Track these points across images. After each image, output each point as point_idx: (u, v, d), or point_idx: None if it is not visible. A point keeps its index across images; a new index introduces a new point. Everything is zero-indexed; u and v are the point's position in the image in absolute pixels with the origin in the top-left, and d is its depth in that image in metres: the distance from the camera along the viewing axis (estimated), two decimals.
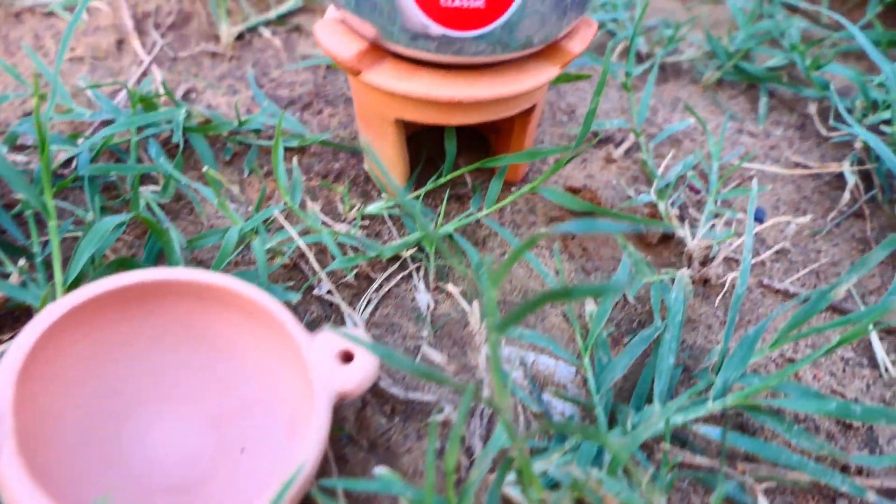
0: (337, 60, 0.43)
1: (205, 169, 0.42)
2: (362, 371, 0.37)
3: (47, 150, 0.39)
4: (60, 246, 0.44)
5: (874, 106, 0.63)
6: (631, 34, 0.70)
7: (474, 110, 0.45)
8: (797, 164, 0.62)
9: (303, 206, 0.54)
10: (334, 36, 0.44)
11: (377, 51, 0.44)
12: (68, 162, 0.54)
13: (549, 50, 0.45)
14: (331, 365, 0.37)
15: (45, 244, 0.46)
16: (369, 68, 0.44)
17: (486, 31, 0.39)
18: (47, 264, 0.45)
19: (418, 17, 0.39)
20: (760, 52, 0.68)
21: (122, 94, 0.62)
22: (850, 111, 0.64)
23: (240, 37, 0.69)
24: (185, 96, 0.63)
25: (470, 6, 0.38)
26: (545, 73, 0.45)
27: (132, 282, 0.38)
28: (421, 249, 0.51)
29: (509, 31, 0.40)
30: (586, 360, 0.43)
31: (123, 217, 0.44)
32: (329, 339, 0.38)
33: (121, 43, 0.68)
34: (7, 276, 0.44)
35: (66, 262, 0.46)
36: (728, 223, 0.56)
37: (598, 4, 0.73)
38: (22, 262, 0.44)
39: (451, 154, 0.52)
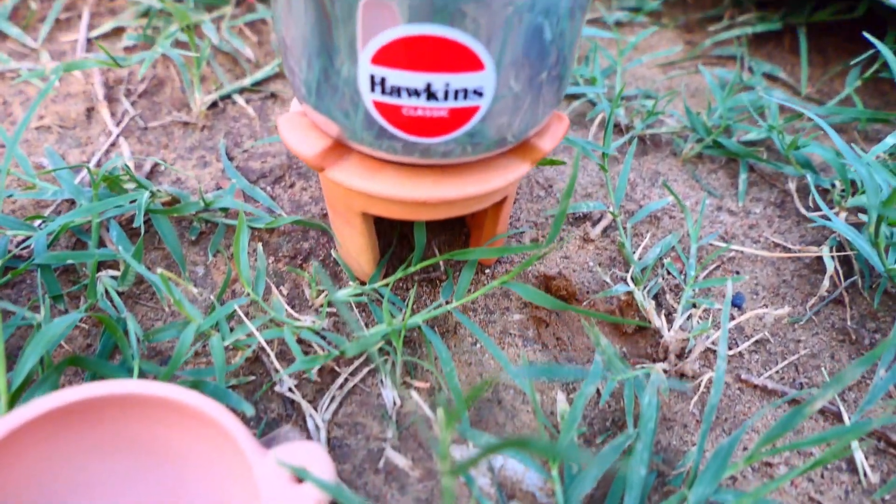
0: (300, 158, 0.42)
1: (159, 271, 0.41)
2: (315, 497, 0.35)
3: None
4: (15, 336, 0.43)
5: (853, 186, 0.62)
6: (610, 105, 0.70)
7: (442, 208, 0.44)
8: (777, 245, 0.61)
9: (268, 291, 0.52)
10: (297, 132, 0.42)
11: (341, 147, 0.42)
12: (27, 240, 0.53)
13: (520, 147, 0.44)
14: (283, 485, 0.35)
15: None
16: (333, 165, 0.42)
17: (450, 138, 0.38)
18: None
19: (381, 124, 0.38)
20: (739, 128, 0.68)
21: (91, 164, 0.61)
22: (828, 192, 0.63)
23: (213, 105, 0.68)
24: (153, 169, 0.62)
25: (433, 116, 0.37)
26: (515, 170, 0.44)
27: (76, 399, 0.36)
28: (389, 342, 0.49)
29: (474, 137, 0.39)
30: (555, 473, 0.41)
31: (74, 316, 0.42)
32: (283, 455, 0.36)
33: (90, 111, 0.66)
34: None
35: (18, 354, 0.44)
36: (707, 312, 0.54)
37: (578, 75, 0.72)
38: None
39: (420, 245, 0.50)
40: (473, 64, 0.34)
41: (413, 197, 0.41)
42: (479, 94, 0.36)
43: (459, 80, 0.35)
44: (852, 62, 0.72)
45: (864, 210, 0.62)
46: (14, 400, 0.39)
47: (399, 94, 0.36)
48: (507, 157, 0.44)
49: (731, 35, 0.80)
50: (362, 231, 0.49)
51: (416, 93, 0.35)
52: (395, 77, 0.35)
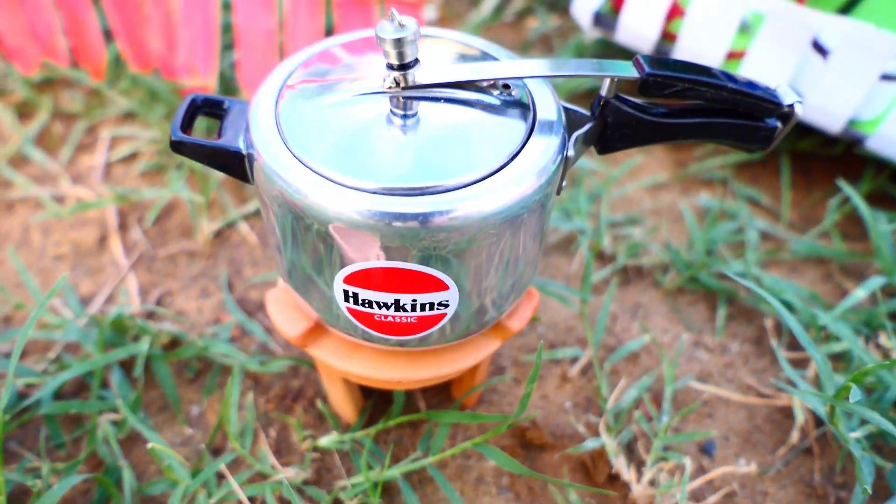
0: (284, 336, 0.46)
1: (149, 446, 0.44)
2: None
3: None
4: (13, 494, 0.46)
5: (824, 333, 0.64)
6: (595, 236, 0.73)
7: (417, 384, 0.47)
8: (750, 388, 0.63)
9: (256, 438, 0.55)
10: (283, 312, 0.46)
11: (322, 328, 0.46)
12: (32, 385, 0.56)
13: (491, 328, 0.47)
14: None
15: None
16: (313, 344, 0.46)
17: (421, 336, 0.42)
18: None
19: (356, 324, 0.41)
20: (718, 263, 0.70)
21: (100, 298, 0.65)
22: (805, 330, 0.66)
23: (218, 233, 0.72)
24: (160, 300, 0.66)
25: (403, 322, 0.40)
26: (485, 349, 0.47)
27: None
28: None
29: (443, 333, 0.42)
30: None
31: (72, 480, 0.45)
32: None
33: (103, 239, 0.71)
34: None
35: None
36: (679, 467, 0.56)
37: (561, 209, 0.76)
38: None
39: (399, 403, 0.53)
40: (439, 286, 0.38)
41: (388, 378, 0.45)
42: (444, 305, 0.39)
43: (426, 297, 0.38)
44: (832, 198, 0.75)
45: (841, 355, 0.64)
46: None
47: (370, 306, 0.39)
48: (478, 338, 0.47)
49: (715, 163, 0.84)
50: (344, 388, 0.52)
51: (387, 306, 0.39)
52: (367, 294, 0.38)
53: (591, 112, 0.41)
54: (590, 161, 0.82)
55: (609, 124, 0.41)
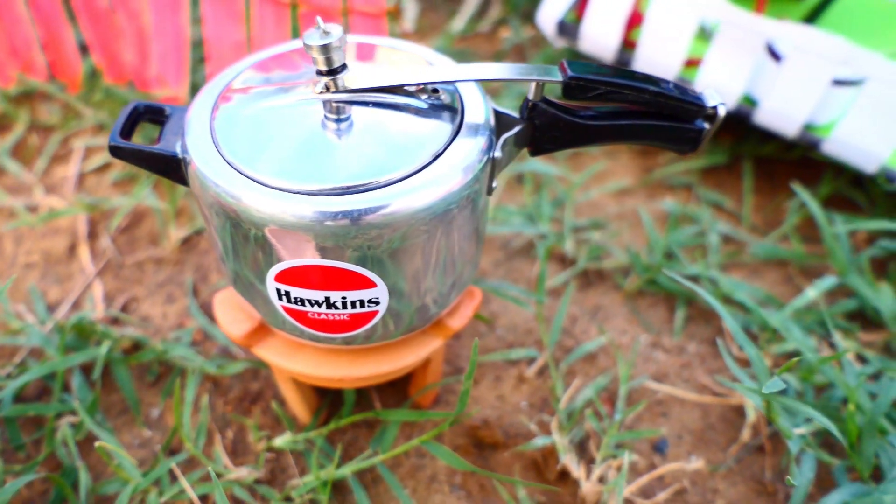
0: (229, 337, 0.47)
1: (97, 444, 0.45)
2: None
3: None
4: None
5: (778, 335, 0.65)
6: (557, 240, 0.74)
7: (360, 381, 0.48)
8: (705, 387, 0.64)
9: (211, 439, 0.56)
10: (229, 313, 0.47)
11: (266, 328, 0.47)
12: None
13: (432, 326, 0.48)
14: None
15: None
16: (258, 344, 0.47)
17: (355, 334, 0.43)
18: None
19: (292, 323, 0.42)
20: (677, 266, 0.71)
21: (66, 304, 0.66)
22: (755, 337, 0.66)
23: (186, 240, 0.74)
24: (125, 307, 0.67)
25: (336, 319, 0.41)
26: (427, 347, 0.48)
27: None
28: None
29: (378, 331, 0.43)
30: None
31: (25, 479, 0.46)
32: None
33: (73, 248, 0.72)
34: None
35: None
36: (631, 464, 0.57)
37: (525, 215, 0.77)
38: None
39: (350, 402, 0.54)
40: (367, 283, 0.39)
41: (329, 376, 0.46)
42: (374, 302, 0.41)
43: (355, 294, 0.40)
44: (788, 202, 0.76)
45: (792, 354, 0.65)
46: None
47: (303, 304, 0.40)
48: (422, 335, 0.48)
49: (680, 168, 0.85)
50: (295, 388, 0.53)
51: (318, 303, 0.40)
52: (298, 292, 0.40)
53: (519, 115, 0.42)
54: (554, 167, 0.83)
55: (538, 126, 0.42)
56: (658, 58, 0.78)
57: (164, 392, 0.59)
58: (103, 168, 0.82)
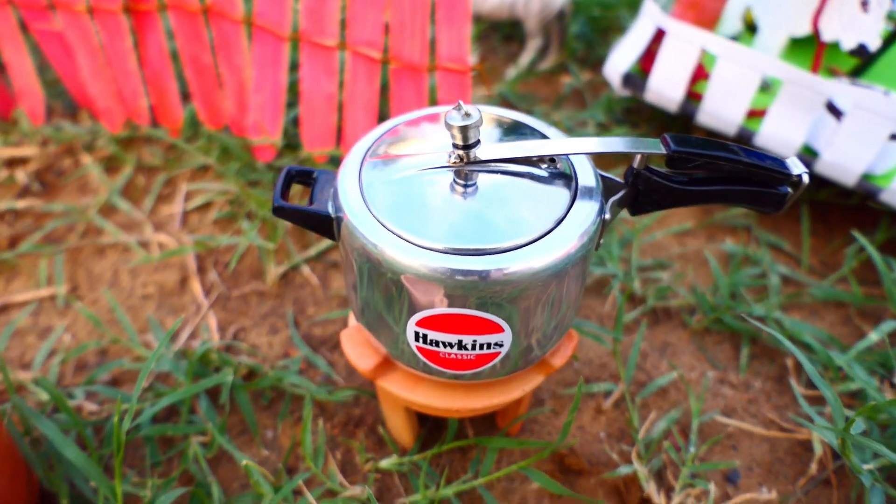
0: (357, 369, 0.53)
1: (243, 463, 0.51)
2: None
3: (121, 451, 0.48)
4: None
5: (842, 373, 0.69)
6: (626, 279, 0.80)
7: (472, 412, 0.54)
8: (772, 422, 0.68)
9: (325, 459, 0.62)
10: (356, 348, 0.53)
11: (389, 362, 0.53)
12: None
13: (537, 365, 0.54)
14: None
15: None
16: (382, 377, 0.53)
17: (475, 371, 0.48)
18: None
19: (423, 360, 0.48)
20: (740, 308, 0.76)
21: (184, 334, 0.73)
22: (824, 370, 0.71)
23: (284, 275, 0.80)
24: (235, 335, 0.74)
25: (463, 358, 0.47)
26: (531, 382, 0.53)
27: None
28: None
29: (496, 369, 0.49)
30: None
31: (176, 493, 0.52)
32: None
33: (184, 280, 0.80)
34: None
35: None
36: (703, 494, 0.61)
37: (596, 255, 0.82)
38: None
39: (453, 429, 0.60)
40: (496, 329, 0.45)
41: (447, 407, 0.52)
42: (499, 345, 0.46)
43: (484, 338, 0.45)
44: (850, 246, 0.80)
45: (855, 393, 0.69)
46: None
47: (437, 345, 0.46)
48: (526, 373, 0.54)
49: (739, 211, 0.90)
50: (404, 416, 0.59)
51: (451, 345, 0.46)
52: (435, 335, 0.46)
53: (624, 181, 0.48)
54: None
55: (640, 191, 0.48)
56: (722, 110, 0.83)
57: (280, 415, 0.65)
58: (204, 207, 0.89)
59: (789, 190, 0.48)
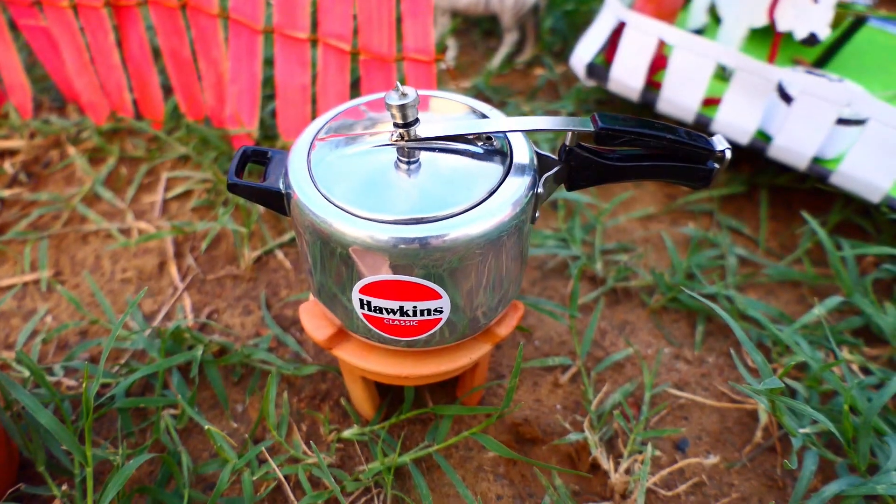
0: (313, 339, 0.56)
1: (206, 427, 0.55)
2: None
3: (90, 417, 0.52)
4: (95, 470, 0.57)
5: (787, 348, 0.72)
6: (588, 262, 0.83)
7: (422, 379, 0.57)
8: (723, 394, 0.71)
9: (290, 430, 0.65)
10: (313, 320, 0.57)
11: (344, 333, 0.56)
12: (107, 384, 0.68)
13: (483, 333, 0.57)
14: None
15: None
16: (337, 346, 0.56)
17: (424, 338, 0.52)
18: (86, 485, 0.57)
19: (370, 327, 0.51)
20: (697, 288, 0.79)
21: (160, 314, 0.77)
22: (768, 350, 0.74)
23: (258, 259, 0.84)
24: (209, 316, 0.77)
25: (406, 325, 0.50)
26: (478, 350, 0.56)
27: None
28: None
29: (439, 336, 0.52)
30: None
31: (143, 458, 0.55)
32: None
33: (162, 265, 0.83)
34: (51, 500, 0.56)
35: (98, 484, 0.58)
36: (654, 459, 0.64)
37: (559, 238, 0.85)
38: (65, 487, 0.57)
39: (409, 399, 0.63)
40: (434, 295, 0.48)
41: (397, 374, 0.55)
42: (439, 311, 0.49)
43: (424, 304, 0.49)
44: (802, 228, 0.83)
45: (802, 366, 0.72)
46: None
47: (381, 312, 0.49)
48: (473, 341, 0.57)
49: (702, 196, 0.93)
50: (363, 387, 0.62)
51: (393, 311, 0.49)
52: (378, 302, 0.49)
53: (558, 157, 0.51)
54: (584, 195, 0.92)
55: (573, 167, 0.51)
56: (679, 98, 0.86)
57: (248, 390, 0.68)
58: (184, 195, 0.93)
59: (716, 165, 0.51)
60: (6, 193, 0.91)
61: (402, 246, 0.45)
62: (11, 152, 0.99)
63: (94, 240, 0.86)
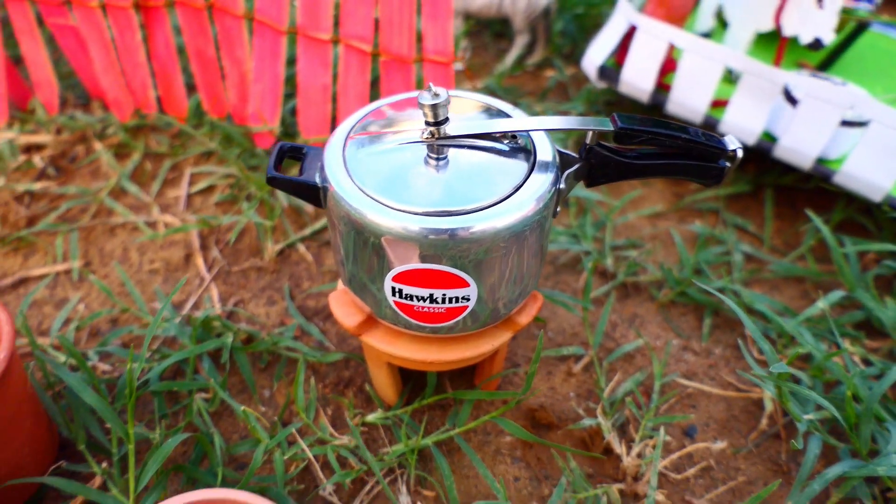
0: (343, 326, 0.59)
1: (241, 409, 0.58)
2: None
3: (133, 397, 0.55)
4: (135, 449, 0.60)
5: (794, 340, 0.75)
6: (599, 257, 0.86)
7: (446, 365, 0.60)
8: (730, 384, 0.74)
9: (317, 414, 0.68)
10: (343, 308, 0.60)
11: (373, 320, 0.59)
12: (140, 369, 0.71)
13: (504, 321, 0.60)
14: None
15: (122, 443, 0.61)
16: (366, 333, 0.59)
17: (448, 325, 0.55)
18: (124, 463, 0.60)
19: (399, 314, 0.54)
20: (704, 280, 0.82)
21: (188, 304, 0.80)
22: (773, 342, 0.77)
23: (281, 252, 0.87)
24: (236, 305, 0.80)
25: (435, 312, 0.53)
26: (500, 338, 0.59)
27: (191, 500, 0.52)
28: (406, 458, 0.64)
29: (465, 322, 0.55)
30: None
31: (179, 438, 0.58)
32: None
33: (188, 257, 0.86)
34: (91, 476, 0.60)
35: (138, 462, 0.61)
36: (665, 444, 0.67)
37: (571, 234, 0.88)
38: (104, 464, 0.60)
39: (432, 384, 0.66)
40: (462, 284, 0.51)
41: (423, 359, 0.58)
42: (466, 299, 0.52)
43: (452, 292, 0.52)
44: (806, 226, 0.86)
45: (806, 357, 0.75)
46: (138, 500, 0.55)
47: (411, 300, 0.52)
48: (495, 329, 0.60)
49: (708, 195, 0.96)
50: (387, 373, 0.65)
51: (423, 299, 0.52)
52: (409, 290, 0.52)
53: (579, 155, 0.54)
54: (595, 193, 0.95)
55: (593, 164, 0.54)
56: (689, 100, 0.89)
57: (275, 376, 0.71)
58: (207, 190, 0.96)
59: (727, 164, 0.54)
60: (36, 186, 0.94)
61: (432, 237, 0.48)
62: (39, 147, 1.02)
63: (122, 232, 0.89)
